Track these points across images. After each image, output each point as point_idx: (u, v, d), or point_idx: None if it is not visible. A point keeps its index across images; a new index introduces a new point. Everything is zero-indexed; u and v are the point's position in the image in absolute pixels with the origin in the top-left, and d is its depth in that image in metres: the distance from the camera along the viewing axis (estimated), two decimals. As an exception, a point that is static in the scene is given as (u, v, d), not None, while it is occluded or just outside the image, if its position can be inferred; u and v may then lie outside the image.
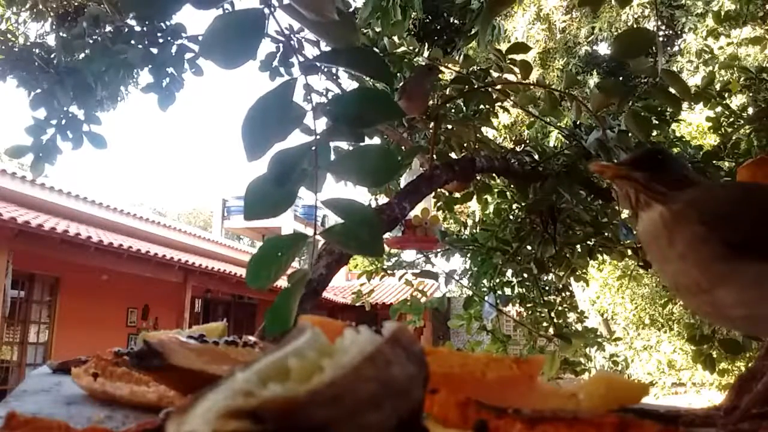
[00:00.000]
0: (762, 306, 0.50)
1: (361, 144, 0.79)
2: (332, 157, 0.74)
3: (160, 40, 1.95)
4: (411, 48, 2.08)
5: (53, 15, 4.02)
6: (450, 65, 1.91)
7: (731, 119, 2.25)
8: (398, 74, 2.05)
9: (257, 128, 0.65)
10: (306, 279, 0.69)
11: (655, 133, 1.90)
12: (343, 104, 0.72)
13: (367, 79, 1.80)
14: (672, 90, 1.32)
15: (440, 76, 2.04)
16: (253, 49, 0.64)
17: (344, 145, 1.69)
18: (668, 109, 1.85)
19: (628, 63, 1.39)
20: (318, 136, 0.71)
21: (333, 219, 0.72)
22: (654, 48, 1.14)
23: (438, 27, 7.03)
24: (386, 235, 1.88)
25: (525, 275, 2.47)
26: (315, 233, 0.72)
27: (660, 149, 0.64)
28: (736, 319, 0.54)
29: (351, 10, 2.36)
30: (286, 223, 12.53)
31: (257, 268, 0.68)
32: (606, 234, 2.09)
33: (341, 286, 12.45)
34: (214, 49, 0.64)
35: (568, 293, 2.71)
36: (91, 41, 1.89)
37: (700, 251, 0.52)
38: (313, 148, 0.70)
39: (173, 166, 54.61)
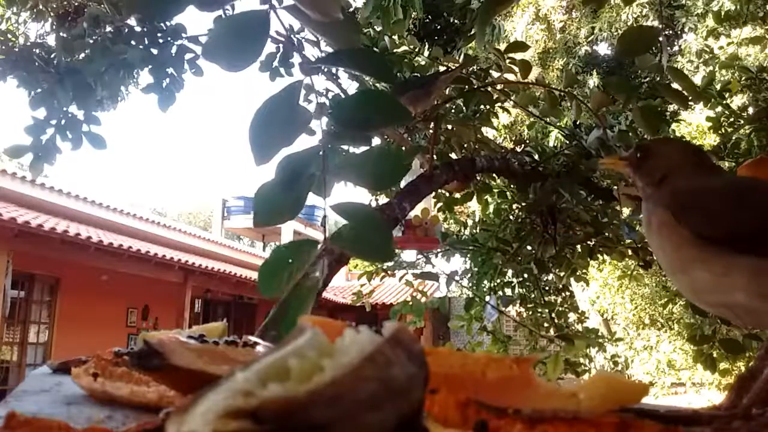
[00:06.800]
0: (733, 294, 0.52)
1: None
2: (337, 160, 0.73)
3: (161, 41, 1.95)
4: (411, 47, 2.07)
5: (53, 15, 4.01)
6: (450, 65, 1.91)
7: (731, 119, 2.25)
8: (398, 74, 2.05)
9: (265, 132, 0.64)
10: (318, 287, 0.69)
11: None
12: (348, 108, 0.71)
13: (368, 79, 1.80)
14: (677, 87, 1.32)
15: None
16: (257, 52, 0.64)
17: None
18: (669, 109, 1.85)
19: (633, 60, 1.39)
20: (324, 140, 0.71)
21: (333, 218, 0.71)
22: (658, 45, 1.14)
23: (438, 27, 7.04)
24: (386, 236, 1.87)
25: (525, 275, 2.47)
26: (325, 238, 0.72)
27: (645, 144, 0.69)
28: (713, 305, 0.57)
29: (351, 9, 2.35)
30: (286, 223, 12.52)
31: (268, 277, 0.68)
32: (606, 234, 2.09)
33: (341, 286, 12.44)
34: (218, 52, 0.63)
35: (568, 293, 2.71)
36: (91, 41, 1.89)
37: (672, 236, 0.56)
38: (321, 152, 0.70)
39: (173, 166, 54.61)
